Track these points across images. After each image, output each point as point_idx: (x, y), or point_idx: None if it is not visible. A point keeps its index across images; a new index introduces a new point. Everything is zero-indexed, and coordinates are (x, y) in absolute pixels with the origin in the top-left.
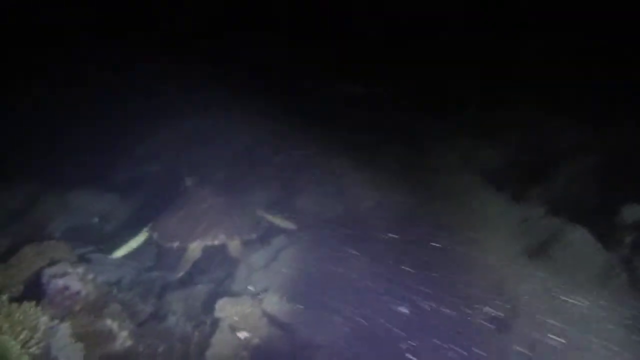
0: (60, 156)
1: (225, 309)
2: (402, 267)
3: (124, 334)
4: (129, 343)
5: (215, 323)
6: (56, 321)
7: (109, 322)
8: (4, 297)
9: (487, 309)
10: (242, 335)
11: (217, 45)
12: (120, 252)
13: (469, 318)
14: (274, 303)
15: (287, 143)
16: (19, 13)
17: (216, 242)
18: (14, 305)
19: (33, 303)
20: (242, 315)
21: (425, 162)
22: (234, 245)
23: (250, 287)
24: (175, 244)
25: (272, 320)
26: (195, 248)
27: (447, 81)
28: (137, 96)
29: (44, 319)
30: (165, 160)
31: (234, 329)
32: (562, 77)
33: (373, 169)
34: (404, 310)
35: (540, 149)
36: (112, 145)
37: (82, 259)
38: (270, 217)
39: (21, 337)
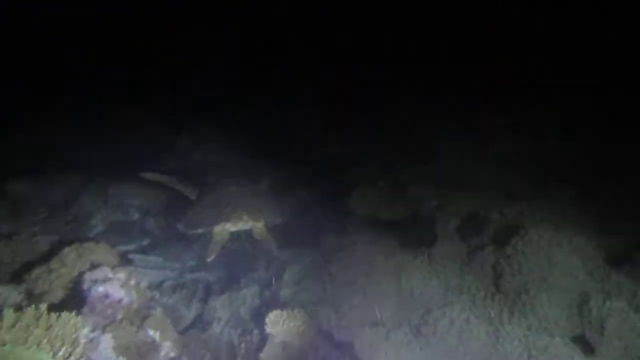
0: (101, 149)
1: (277, 325)
2: None
3: (168, 344)
4: (172, 354)
5: (265, 336)
6: (97, 332)
7: (151, 332)
8: (44, 307)
9: None
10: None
11: None
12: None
13: None
14: (330, 318)
15: None
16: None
17: (240, 225)
18: (53, 316)
19: (73, 313)
20: (294, 333)
21: None
22: (259, 228)
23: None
24: (199, 230)
25: (329, 338)
26: (220, 231)
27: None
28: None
29: (85, 331)
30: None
31: (285, 346)
32: None
33: None
34: None
35: None
36: (153, 137)
37: (124, 260)
38: None
39: (60, 353)
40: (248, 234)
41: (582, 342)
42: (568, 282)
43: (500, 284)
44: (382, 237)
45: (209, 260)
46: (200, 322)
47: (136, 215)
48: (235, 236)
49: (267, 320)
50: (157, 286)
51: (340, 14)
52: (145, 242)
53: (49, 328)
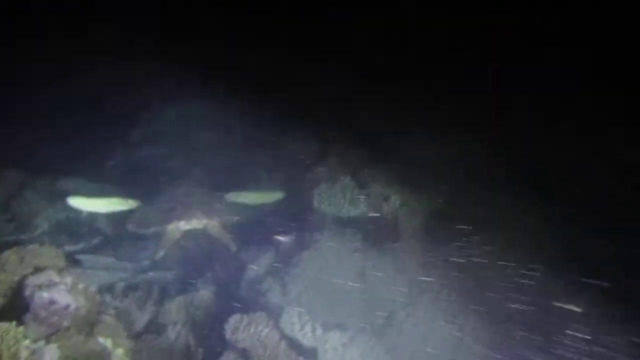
0: (47, 142)
1: (237, 331)
2: None
3: (119, 351)
4: None
5: (224, 342)
6: (41, 343)
7: (101, 339)
8: None
9: None
10: None
11: None
12: None
13: None
14: (293, 323)
15: None
16: None
17: (194, 223)
18: None
19: (13, 323)
20: (256, 339)
21: None
22: (213, 226)
23: None
24: (152, 229)
25: (293, 344)
26: (173, 230)
27: None
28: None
29: (26, 342)
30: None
31: (247, 353)
32: None
33: None
34: None
35: None
36: (104, 130)
37: (71, 261)
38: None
39: None
40: (203, 231)
41: None
42: None
43: None
44: (345, 235)
45: (157, 257)
46: (154, 327)
47: (84, 213)
48: (190, 234)
49: (226, 325)
50: (108, 288)
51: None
52: (95, 241)
53: None
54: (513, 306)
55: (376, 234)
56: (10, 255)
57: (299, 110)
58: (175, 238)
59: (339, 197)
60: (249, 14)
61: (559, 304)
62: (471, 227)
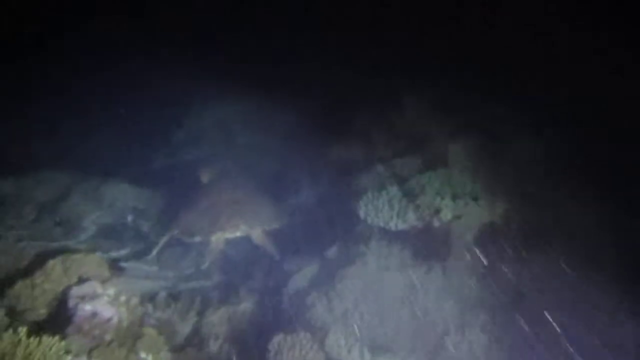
0: (93, 146)
1: (281, 353)
2: None
3: None
4: None
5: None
6: (84, 357)
7: (143, 354)
8: (22, 330)
9: None
10: None
11: None
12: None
13: None
14: (340, 346)
15: None
16: None
17: (238, 233)
18: (33, 341)
19: (57, 338)
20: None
21: None
22: (257, 235)
23: None
24: (196, 238)
25: None
26: (218, 239)
27: None
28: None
29: (69, 358)
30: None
31: None
32: None
33: None
34: None
35: None
36: (147, 133)
37: (115, 269)
38: None
39: None
40: (247, 239)
41: None
42: None
43: None
44: (393, 248)
45: (203, 267)
46: (196, 339)
47: (130, 218)
48: (233, 243)
49: (269, 346)
50: (151, 298)
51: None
52: (139, 247)
53: (27, 357)
54: None
55: (426, 249)
56: (55, 265)
57: (344, 113)
58: (219, 248)
59: (386, 208)
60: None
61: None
62: (530, 243)
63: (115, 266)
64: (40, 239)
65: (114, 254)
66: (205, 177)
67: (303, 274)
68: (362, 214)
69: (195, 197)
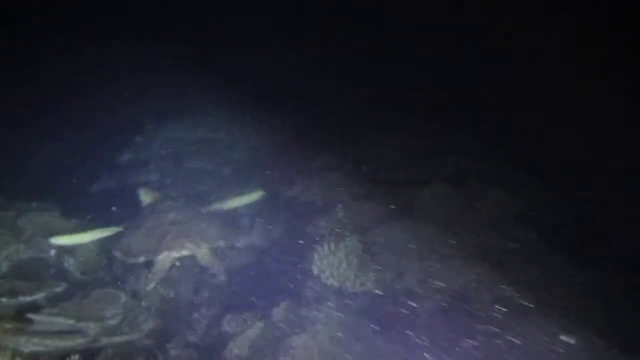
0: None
1: None
2: None
3: None
4: None
5: None
6: None
7: None
8: None
9: None
10: None
11: None
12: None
13: None
14: None
15: None
16: None
17: (184, 252)
18: None
19: None
20: None
21: None
22: (203, 253)
23: None
24: (140, 259)
25: None
26: (164, 259)
27: None
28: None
29: None
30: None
31: None
32: None
33: None
34: None
35: None
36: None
37: (22, 322)
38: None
39: None
40: (191, 274)
41: None
42: None
43: None
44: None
45: (149, 288)
46: None
47: (52, 252)
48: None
49: None
50: None
51: None
52: (58, 289)
53: None
54: None
55: (385, 318)
56: None
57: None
58: (165, 269)
59: (343, 265)
60: None
61: None
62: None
63: (21, 318)
64: None
65: (26, 298)
66: (146, 198)
67: (246, 336)
68: (315, 269)
69: (137, 219)
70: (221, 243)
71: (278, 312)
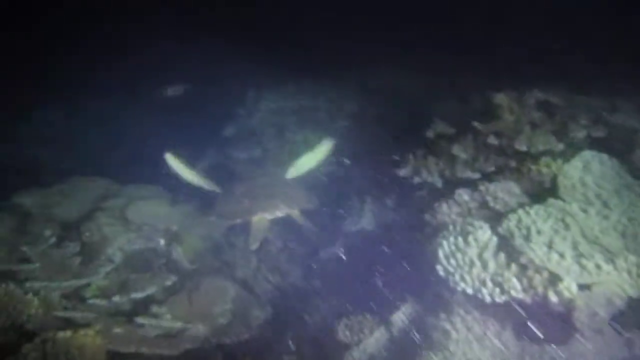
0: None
1: None
2: None
3: None
4: None
5: None
6: None
7: None
8: None
9: None
10: None
11: None
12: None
13: None
14: None
15: None
16: None
17: (278, 213)
18: None
19: None
20: None
21: None
22: (296, 215)
23: None
24: (237, 220)
25: None
26: (259, 221)
27: None
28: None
29: None
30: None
31: None
32: None
33: None
34: None
35: None
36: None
37: (127, 323)
38: None
39: None
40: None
41: None
42: None
43: None
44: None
45: (253, 248)
46: None
47: (161, 242)
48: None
49: None
50: None
51: None
52: (168, 282)
53: None
54: None
55: (537, 329)
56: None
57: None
58: (264, 229)
59: (476, 266)
60: None
61: None
62: None
63: (130, 322)
64: (55, 275)
65: (138, 295)
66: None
67: (364, 347)
68: (441, 270)
69: (229, 187)
70: (310, 205)
71: (399, 317)
